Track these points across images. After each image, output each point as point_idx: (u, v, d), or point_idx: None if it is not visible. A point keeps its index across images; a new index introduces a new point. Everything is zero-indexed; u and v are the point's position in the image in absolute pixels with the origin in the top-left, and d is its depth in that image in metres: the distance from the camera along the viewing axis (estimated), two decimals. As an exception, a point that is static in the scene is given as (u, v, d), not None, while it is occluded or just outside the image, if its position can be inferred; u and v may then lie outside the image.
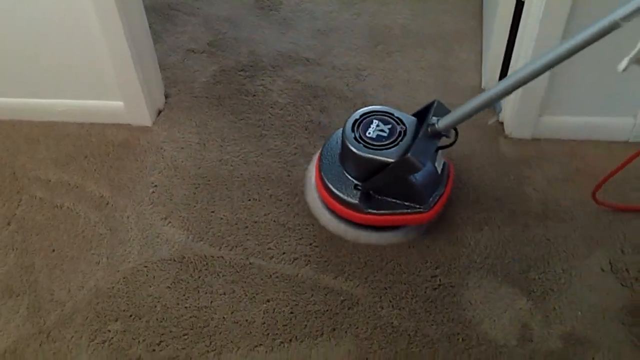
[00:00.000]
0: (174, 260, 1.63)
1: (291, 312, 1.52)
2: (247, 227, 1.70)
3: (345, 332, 1.48)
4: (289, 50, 2.23)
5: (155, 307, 1.54)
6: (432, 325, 1.49)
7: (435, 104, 1.53)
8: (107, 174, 1.84)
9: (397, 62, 2.16)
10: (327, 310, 1.52)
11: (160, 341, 1.48)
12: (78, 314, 1.54)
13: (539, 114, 1.85)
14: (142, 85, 1.86)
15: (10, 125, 1.99)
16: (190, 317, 1.52)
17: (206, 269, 1.61)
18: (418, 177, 1.54)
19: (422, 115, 1.56)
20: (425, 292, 1.56)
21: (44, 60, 1.84)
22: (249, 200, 1.76)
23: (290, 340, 1.48)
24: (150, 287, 1.58)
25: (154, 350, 1.47)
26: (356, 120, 1.58)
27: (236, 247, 1.66)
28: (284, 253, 1.64)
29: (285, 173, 1.83)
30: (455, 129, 1.52)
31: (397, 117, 1.58)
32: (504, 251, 1.63)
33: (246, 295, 1.56)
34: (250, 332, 1.49)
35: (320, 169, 1.66)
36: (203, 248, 1.65)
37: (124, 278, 1.60)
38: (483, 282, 1.58)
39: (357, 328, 1.49)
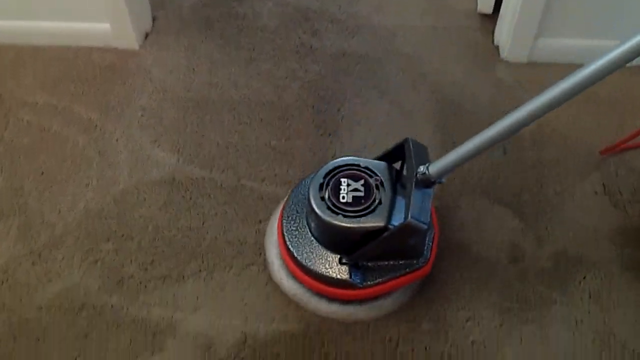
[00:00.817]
0: (165, 183, 1.61)
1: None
2: (237, 150, 1.68)
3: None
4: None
5: (147, 227, 1.53)
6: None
7: (409, 144, 1.27)
8: (95, 97, 1.80)
9: (389, -15, 2.12)
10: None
11: (153, 260, 1.48)
12: (69, 235, 1.53)
13: (535, 37, 1.82)
14: (128, 6, 1.81)
15: (-4, 48, 1.95)
16: (182, 237, 1.52)
17: (197, 191, 1.60)
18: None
19: (392, 157, 1.33)
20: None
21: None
22: (240, 124, 1.74)
23: (283, 259, 1.48)
24: (142, 208, 1.57)
25: (146, 269, 1.47)
26: (322, 184, 1.28)
27: (227, 169, 1.64)
28: (275, 175, 1.63)
29: (276, 97, 1.80)
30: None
31: (365, 168, 1.30)
32: (497, 174, 1.62)
33: (238, 216, 1.55)
34: (243, 252, 1.49)
35: (287, 247, 1.36)
36: (194, 171, 1.64)
37: (115, 200, 1.59)
38: (475, 204, 1.58)
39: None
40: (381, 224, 1.23)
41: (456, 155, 1.15)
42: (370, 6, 2.04)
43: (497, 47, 1.91)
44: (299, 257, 1.33)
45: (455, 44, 1.93)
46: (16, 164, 1.66)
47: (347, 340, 1.37)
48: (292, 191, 1.43)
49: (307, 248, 1.34)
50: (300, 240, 1.35)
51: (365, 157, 1.32)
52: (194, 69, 1.86)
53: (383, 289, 1.34)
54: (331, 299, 1.38)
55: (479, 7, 2.01)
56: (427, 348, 1.36)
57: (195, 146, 1.69)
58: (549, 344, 1.35)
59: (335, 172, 1.30)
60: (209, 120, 1.74)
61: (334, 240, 1.31)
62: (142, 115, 1.75)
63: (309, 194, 1.28)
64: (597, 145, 1.67)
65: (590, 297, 1.42)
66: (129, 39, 1.89)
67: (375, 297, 1.38)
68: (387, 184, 1.28)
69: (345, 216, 1.24)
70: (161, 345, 1.36)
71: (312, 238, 1.34)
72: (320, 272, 1.31)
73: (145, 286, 1.44)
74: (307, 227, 1.36)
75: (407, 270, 1.32)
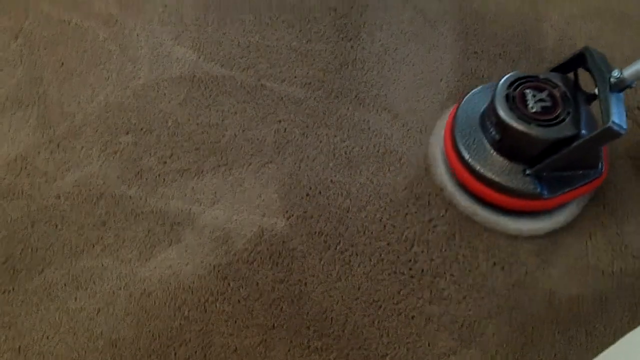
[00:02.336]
0: (185, 79, 1.61)
1: (303, 134, 1.52)
2: (258, 50, 1.66)
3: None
4: None
5: (167, 122, 1.54)
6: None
7: (591, 53, 1.26)
8: (115, -9, 1.78)
9: None
10: (340, 134, 1.52)
11: (172, 154, 1.49)
12: (88, 126, 1.53)
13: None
14: None
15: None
16: (202, 132, 1.52)
17: (217, 89, 1.59)
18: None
19: (565, 69, 1.33)
20: (436, 120, 1.56)
21: None
22: (261, 24, 1.71)
23: (302, 160, 1.49)
24: (161, 103, 1.57)
25: (165, 162, 1.48)
26: (507, 95, 1.27)
27: (248, 69, 1.63)
28: (295, 77, 1.62)
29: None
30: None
31: (545, 80, 1.29)
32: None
33: (257, 115, 1.55)
34: (262, 150, 1.50)
35: (466, 161, 1.35)
36: (214, 68, 1.63)
37: (135, 94, 1.58)
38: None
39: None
40: (574, 132, 1.23)
41: None
42: None
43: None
44: (481, 170, 1.33)
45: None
46: (36, 55, 1.65)
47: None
48: (460, 105, 1.42)
49: (490, 165, 1.33)
50: (481, 158, 1.34)
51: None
52: (215, -32, 1.83)
53: (566, 199, 1.35)
54: (515, 213, 1.39)
55: None
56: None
57: (216, 45, 1.67)
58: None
59: (516, 84, 1.29)
60: (230, 20, 1.72)
61: (522, 151, 1.30)
62: (162, 12, 1.73)
63: (494, 104, 1.27)
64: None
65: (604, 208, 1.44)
66: None
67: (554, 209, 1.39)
68: (569, 94, 1.27)
69: (539, 125, 1.23)
70: (179, 237, 1.39)
71: (492, 152, 1.34)
72: (505, 184, 1.31)
73: (164, 179, 1.46)
74: (484, 140, 1.35)
75: (587, 180, 1.32)
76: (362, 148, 1.50)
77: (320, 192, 1.44)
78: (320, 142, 1.51)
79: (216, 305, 1.32)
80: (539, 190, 1.29)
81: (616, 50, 1.67)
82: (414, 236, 1.39)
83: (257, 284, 1.33)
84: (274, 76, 1.62)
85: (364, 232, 1.40)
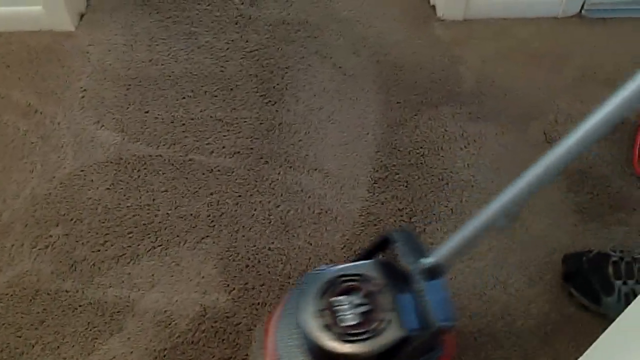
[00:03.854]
0: (111, 163, 1.59)
1: (236, 204, 1.52)
2: (183, 124, 1.67)
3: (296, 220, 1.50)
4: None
5: (96, 209, 1.52)
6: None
7: (396, 238, 1.06)
8: (33, 81, 1.76)
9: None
10: (274, 200, 1.53)
11: (105, 241, 1.47)
12: (17, 222, 1.50)
13: (469, -6, 1.85)
14: (59, -14, 1.76)
15: None
16: (134, 215, 1.50)
17: (145, 169, 1.58)
18: None
19: (372, 254, 1.12)
20: (367, 173, 1.58)
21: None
22: (183, 98, 1.72)
23: (237, 231, 1.48)
24: (89, 190, 1.55)
25: (99, 250, 1.45)
26: (318, 310, 1.00)
27: (174, 144, 1.63)
28: (223, 147, 1.62)
29: (218, 69, 1.78)
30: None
31: (356, 275, 1.04)
32: (444, 128, 1.66)
33: (189, 191, 1.54)
34: (196, 226, 1.49)
35: None
36: (140, 148, 1.62)
37: (61, 184, 1.56)
38: (423, 160, 1.61)
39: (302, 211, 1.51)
40: (402, 334, 0.98)
41: (461, 237, 0.98)
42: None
43: (433, 7, 1.93)
44: None
45: (392, 6, 1.94)
46: (-45, 155, 1.62)
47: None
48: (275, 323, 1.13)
49: None
50: None
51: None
52: (132, 47, 1.83)
53: None
54: None
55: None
56: None
57: (140, 124, 1.67)
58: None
59: (326, 292, 1.02)
60: (152, 97, 1.72)
61: None
62: (82, 97, 1.72)
63: (305, 329, 1.00)
64: (532, 94, 1.72)
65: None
66: (64, 21, 1.84)
67: None
68: (385, 285, 1.02)
69: (352, 341, 0.97)
70: (120, 325, 1.35)
71: None
72: None
73: (99, 268, 1.43)
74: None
75: None
76: (297, 211, 1.51)
77: (259, 261, 1.43)
78: (255, 210, 1.51)
79: (165, 393, 1.28)
80: None
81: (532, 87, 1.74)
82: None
83: (205, 364, 1.31)
84: (201, 149, 1.62)
85: (308, 296, 1.39)
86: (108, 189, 1.55)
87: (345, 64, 1.79)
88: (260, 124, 1.67)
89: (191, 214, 1.50)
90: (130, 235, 1.47)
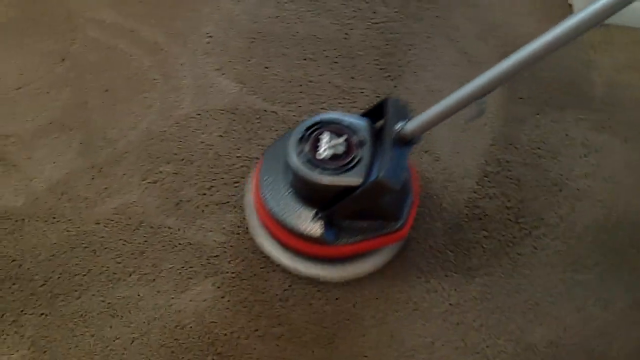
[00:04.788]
0: (227, 111, 1.61)
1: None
2: (301, 85, 1.67)
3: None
4: None
5: (207, 153, 1.54)
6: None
7: (389, 103, 1.21)
8: (162, 20, 1.79)
9: None
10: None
11: (211, 186, 1.49)
12: (130, 153, 1.54)
13: (613, -3, 1.76)
14: None
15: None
16: (242, 166, 1.52)
17: (259, 122, 1.60)
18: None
19: (374, 115, 1.26)
20: (478, 164, 1.54)
21: None
22: (304, 59, 1.72)
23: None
24: (203, 134, 1.57)
25: (204, 194, 1.48)
26: (300, 139, 1.22)
27: (289, 103, 1.63)
28: (337, 114, 1.62)
29: (341, 35, 1.77)
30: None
31: (348, 125, 1.23)
32: (566, 132, 1.60)
33: (298, 151, 1.55)
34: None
35: (263, 195, 1.31)
36: (256, 102, 1.63)
37: (177, 123, 1.59)
38: (537, 161, 1.56)
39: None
40: (358, 181, 1.17)
41: (433, 113, 1.10)
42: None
43: (570, 5, 1.85)
44: (274, 211, 1.29)
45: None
46: (81, 79, 1.67)
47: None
48: (267, 150, 1.38)
49: (284, 204, 1.29)
50: (278, 197, 1.30)
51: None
52: (261, 1, 1.84)
53: (356, 249, 1.31)
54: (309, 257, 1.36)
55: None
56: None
57: (259, 78, 1.68)
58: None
59: (317, 127, 1.24)
60: (274, 54, 1.73)
61: (310, 194, 1.26)
62: (207, 43, 1.74)
63: (288, 148, 1.22)
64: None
65: None
66: (200, -35, 1.87)
67: (349, 257, 1.36)
68: (368, 143, 1.21)
69: (322, 171, 1.18)
70: (215, 269, 1.38)
71: (288, 194, 1.30)
72: (291, 226, 1.27)
73: (203, 210, 1.46)
74: (285, 183, 1.31)
75: (382, 232, 1.28)
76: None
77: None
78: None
79: (248, 341, 1.31)
80: (323, 235, 1.25)
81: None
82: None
83: (294, 323, 1.32)
84: (315, 112, 1.61)
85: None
86: (221, 136, 1.57)
87: (472, 50, 1.74)
88: (377, 97, 1.65)
89: (297, 175, 1.51)
90: (237, 185, 1.49)
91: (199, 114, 1.61)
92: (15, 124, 1.59)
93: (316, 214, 1.26)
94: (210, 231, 1.43)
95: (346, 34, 1.78)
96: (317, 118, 1.25)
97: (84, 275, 1.37)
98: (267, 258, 1.39)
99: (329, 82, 1.67)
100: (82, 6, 1.82)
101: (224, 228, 1.43)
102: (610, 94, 1.68)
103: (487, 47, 1.75)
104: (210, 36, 1.76)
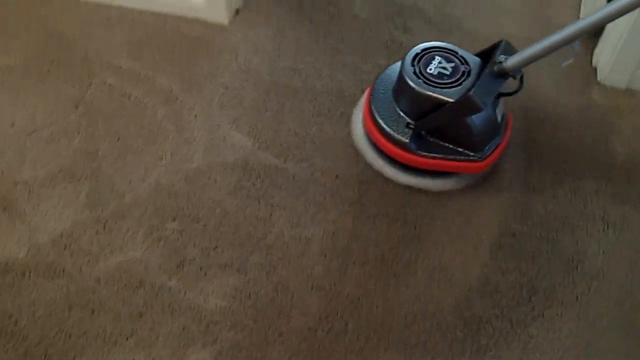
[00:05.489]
0: (238, 167, 1.58)
1: (351, 237, 1.48)
2: (314, 142, 1.64)
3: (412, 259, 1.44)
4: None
5: (215, 211, 1.51)
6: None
7: (502, 44, 1.41)
8: (179, 69, 1.78)
9: (490, -12, 2.02)
10: (390, 240, 1.47)
11: (216, 246, 1.46)
12: (137, 207, 1.52)
13: (638, 64, 1.71)
14: (223, -20, 1.77)
15: (87, 6, 1.93)
16: (248, 226, 1.49)
17: (269, 180, 1.57)
18: (476, 122, 1.43)
19: (486, 56, 1.45)
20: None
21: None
22: (319, 115, 1.69)
23: (347, 265, 1.44)
24: (211, 190, 1.55)
25: (209, 254, 1.45)
26: (417, 55, 1.46)
27: (302, 161, 1.60)
28: (350, 174, 1.58)
29: (359, 92, 1.74)
30: (521, 78, 1.42)
31: (461, 56, 1.46)
32: (584, 204, 1.54)
33: (307, 212, 1.51)
34: (307, 252, 1.45)
35: (370, 102, 1.54)
36: (268, 157, 1.60)
37: (186, 177, 1.57)
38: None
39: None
40: (451, 99, 1.38)
41: (532, 51, 1.32)
42: (466, 9, 1.94)
43: (594, 69, 1.80)
44: (376, 115, 1.51)
45: (551, 58, 1.82)
46: (94, 127, 1.66)
47: None
48: (384, 69, 1.61)
49: (386, 110, 1.51)
50: (383, 105, 1.52)
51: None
52: (279, 52, 1.82)
53: (434, 164, 1.50)
54: (390, 159, 1.55)
55: (583, 22, 1.90)
56: None
57: (273, 132, 1.65)
58: None
59: (434, 49, 1.48)
60: (289, 108, 1.70)
61: (409, 103, 1.48)
62: (223, 94, 1.72)
63: (404, 58, 1.47)
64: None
65: None
66: (220, 13, 1.85)
67: (428, 170, 1.53)
68: (473, 75, 1.42)
69: (425, 82, 1.41)
70: (214, 338, 1.34)
71: (394, 104, 1.52)
72: (387, 130, 1.49)
73: (205, 273, 1.42)
74: (391, 95, 1.53)
75: (462, 157, 1.48)
76: (410, 259, 1.45)
77: (361, 305, 1.38)
78: (368, 247, 1.46)
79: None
80: (408, 142, 1.46)
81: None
82: None
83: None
84: (328, 172, 1.58)
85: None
86: (229, 193, 1.54)
87: (491, 112, 1.70)
88: (392, 158, 1.61)
89: (305, 238, 1.47)
90: (242, 246, 1.46)
91: (208, 169, 1.58)
92: (25, 170, 1.58)
93: (408, 123, 1.48)
94: (212, 295, 1.39)
95: (364, 90, 1.74)
96: (436, 43, 1.49)
97: (80, 336, 1.34)
98: (268, 327, 1.35)
99: (343, 141, 1.64)
100: (101, 50, 1.82)
101: (226, 292, 1.40)
102: (632, 164, 1.62)
103: (507, 107, 1.70)
104: (226, 87, 1.74)
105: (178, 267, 1.43)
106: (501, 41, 1.42)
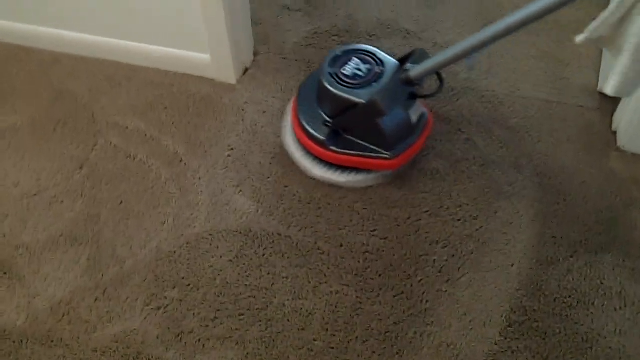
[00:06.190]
0: (240, 233, 1.55)
1: (355, 311, 1.42)
2: (319, 208, 1.60)
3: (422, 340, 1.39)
4: (389, 19, 2.08)
5: (215, 279, 1.47)
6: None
7: (417, 52, 1.50)
8: (185, 129, 1.76)
9: (504, 47, 1.97)
10: (395, 314, 1.42)
11: (215, 317, 1.42)
12: (137, 274, 1.49)
13: (660, 129, 1.65)
14: (231, 40, 1.75)
15: (95, 64, 1.94)
16: (249, 296, 1.45)
17: (272, 247, 1.53)
18: (387, 122, 1.50)
19: (404, 61, 1.51)
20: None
21: (136, 3, 1.76)
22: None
23: (349, 341, 1.38)
24: (213, 257, 1.51)
25: (207, 326, 1.41)
26: (336, 56, 1.56)
27: (306, 228, 1.56)
28: (355, 243, 1.53)
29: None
30: (441, 79, 1.50)
31: (379, 59, 1.54)
32: (600, 280, 1.48)
33: (309, 283, 1.47)
34: (310, 326, 1.40)
35: (297, 102, 1.64)
36: (272, 224, 1.57)
37: (188, 243, 1.53)
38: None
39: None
40: (360, 100, 1.47)
41: (434, 62, 1.40)
42: (480, 68, 1.91)
43: (614, 133, 1.74)
44: (299, 114, 1.61)
45: (569, 122, 1.77)
46: (97, 189, 1.64)
47: None
48: (312, 72, 1.70)
49: (308, 110, 1.60)
50: (307, 105, 1.61)
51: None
52: (287, 114, 1.79)
53: (347, 160, 1.58)
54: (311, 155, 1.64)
55: (599, 84, 1.84)
56: None
57: (277, 197, 1.62)
58: None
59: (353, 52, 1.56)
60: (294, 171, 1.67)
61: (325, 103, 1.56)
62: (228, 156, 1.70)
63: (324, 59, 1.55)
64: None
65: None
66: (228, 73, 1.84)
67: (343, 167, 1.61)
68: (386, 78, 1.49)
69: (338, 83, 1.50)
70: (209, 413, 1.30)
71: (316, 103, 1.60)
72: (307, 129, 1.58)
73: (204, 345, 1.38)
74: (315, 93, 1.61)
75: (374, 155, 1.55)
76: (416, 334, 1.39)
77: (366, 384, 1.33)
78: (372, 321, 1.40)
79: None
80: (323, 138, 1.55)
81: None
82: None
83: None
84: (332, 239, 1.54)
85: None
86: (231, 260, 1.50)
87: (502, 178, 1.65)
88: (397, 226, 1.56)
89: (307, 310, 1.42)
90: (242, 317, 1.42)
91: (211, 234, 1.55)
92: (26, 234, 1.56)
93: (325, 121, 1.57)
94: (209, 370, 1.35)
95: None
96: (357, 46, 1.58)
97: (73, 413, 1.30)
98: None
99: (349, 207, 1.60)
100: (108, 109, 1.82)
101: (223, 368, 1.35)
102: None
103: (521, 176, 1.65)
104: (232, 149, 1.72)
105: (176, 338, 1.39)
106: (417, 49, 1.51)
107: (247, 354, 1.37)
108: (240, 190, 1.63)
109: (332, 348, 1.37)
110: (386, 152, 1.54)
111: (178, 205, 1.61)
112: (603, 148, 1.71)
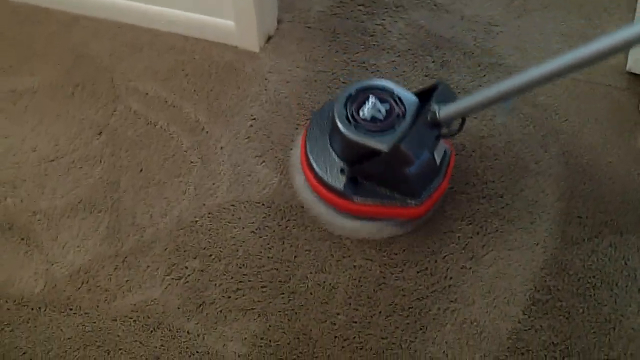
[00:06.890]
0: (263, 205, 1.53)
1: (378, 285, 1.41)
2: (343, 181, 1.58)
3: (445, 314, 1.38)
4: (417, -10, 2.04)
5: (237, 251, 1.46)
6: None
7: (439, 88, 1.33)
8: (207, 97, 1.73)
9: (534, 22, 1.93)
10: (418, 290, 1.41)
11: (238, 289, 1.41)
12: (157, 243, 1.47)
13: (689, 111, 1.62)
14: (256, 6, 1.71)
15: (116, 27, 1.90)
16: (272, 268, 1.44)
17: (295, 220, 1.51)
18: (412, 169, 1.33)
19: (424, 96, 1.36)
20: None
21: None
22: (349, 151, 1.64)
23: (372, 316, 1.38)
24: (235, 228, 1.49)
25: (229, 297, 1.40)
26: (350, 96, 1.38)
27: (329, 201, 1.55)
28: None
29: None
30: (463, 118, 1.31)
31: (397, 97, 1.36)
32: (625, 261, 1.46)
33: (332, 257, 1.45)
34: (332, 298, 1.39)
35: (306, 144, 1.47)
36: (294, 196, 1.55)
37: (209, 213, 1.52)
38: (591, 289, 1.42)
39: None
40: (384, 147, 1.30)
41: (465, 104, 1.24)
42: (508, 44, 1.86)
43: (641, 112, 1.72)
44: (311, 159, 1.44)
45: (596, 101, 1.74)
46: (117, 156, 1.62)
47: None
48: (322, 107, 1.54)
49: (321, 153, 1.45)
50: (318, 147, 1.46)
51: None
52: (311, 84, 1.76)
53: (370, 211, 1.42)
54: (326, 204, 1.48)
55: (628, 64, 1.81)
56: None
57: (300, 169, 1.60)
58: None
59: (369, 89, 1.38)
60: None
61: (341, 148, 1.41)
62: (251, 126, 1.67)
63: (337, 99, 1.37)
64: None
65: None
66: (251, 40, 1.80)
67: (365, 217, 1.46)
68: (408, 118, 1.33)
69: (356, 128, 1.33)
70: (232, 384, 1.29)
71: (327, 145, 1.46)
72: (318, 173, 1.42)
73: (225, 316, 1.37)
74: (327, 135, 1.47)
75: (399, 203, 1.40)
76: (439, 311, 1.38)
77: (385, 358, 1.32)
78: (396, 296, 1.39)
79: None
80: (342, 187, 1.40)
81: None
82: None
83: None
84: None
85: None
86: (253, 232, 1.49)
87: (528, 156, 1.62)
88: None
89: (330, 284, 1.41)
90: (264, 289, 1.41)
91: (233, 205, 1.53)
92: (44, 199, 1.55)
93: (343, 168, 1.42)
94: (231, 340, 1.34)
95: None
96: (371, 82, 1.40)
97: (94, 379, 1.30)
98: (287, 379, 1.29)
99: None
100: (128, 74, 1.78)
101: (245, 338, 1.34)
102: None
103: (547, 154, 1.62)
104: (255, 118, 1.69)
105: (198, 309, 1.38)
106: (437, 84, 1.34)
107: (270, 326, 1.36)
108: (263, 162, 1.61)
109: (355, 322, 1.37)
110: (412, 200, 1.40)
111: (199, 175, 1.58)
112: (631, 128, 1.68)
